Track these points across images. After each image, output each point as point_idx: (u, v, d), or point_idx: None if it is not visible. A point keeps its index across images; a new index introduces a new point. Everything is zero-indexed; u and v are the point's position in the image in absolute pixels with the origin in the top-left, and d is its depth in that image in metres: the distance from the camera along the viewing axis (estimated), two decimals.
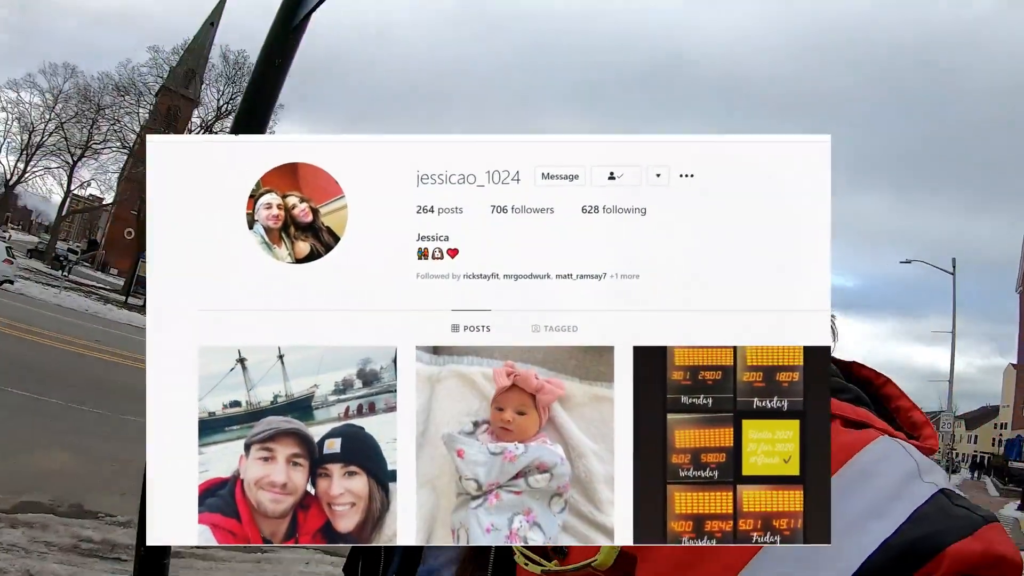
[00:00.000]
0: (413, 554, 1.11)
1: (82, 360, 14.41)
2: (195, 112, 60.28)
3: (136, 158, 65.26)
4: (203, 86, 56.97)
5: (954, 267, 32.42)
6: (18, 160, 61.79)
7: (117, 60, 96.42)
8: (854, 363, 0.92)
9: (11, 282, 24.43)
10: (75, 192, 71.67)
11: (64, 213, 68.56)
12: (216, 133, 54.38)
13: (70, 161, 62.93)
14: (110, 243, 74.64)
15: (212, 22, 75.73)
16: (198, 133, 53.79)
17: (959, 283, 32.39)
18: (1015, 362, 67.76)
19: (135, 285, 39.15)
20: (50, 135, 60.98)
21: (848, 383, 0.87)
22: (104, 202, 70.26)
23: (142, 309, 32.64)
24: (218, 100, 55.79)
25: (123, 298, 36.40)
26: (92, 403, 10.68)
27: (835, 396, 0.80)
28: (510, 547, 0.87)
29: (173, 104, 69.76)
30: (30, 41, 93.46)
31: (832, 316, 0.83)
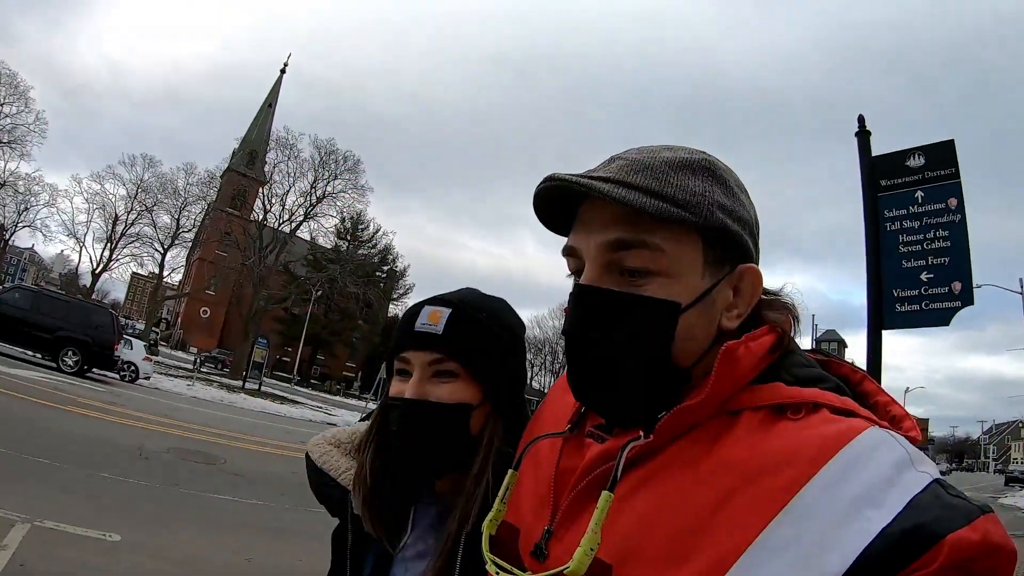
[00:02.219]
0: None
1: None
2: (259, 191, 63.19)
3: (203, 238, 68.90)
4: (266, 166, 59.95)
5: (1022, 286, 32.58)
6: (104, 248, 65.01)
7: (170, 141, 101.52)
8: (832, 360, 0.94)
9: (148, 377, 24.87)
10: (137, 272, 75.38)
11: (159, 299, 71.42)
12: (315, 217, 59.18)
13: (160, 249, 66.48)
14: (187, 323, 77.35)
15: (270, 104, 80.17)
16: (293, 217, 57.70)
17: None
18: None
19: (251, 370, 39.93)
20: (131, 224, 64.44)
21: (826, 373, 0.88)
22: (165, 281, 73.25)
23: (273, 397, 33.96)
24: (312, 187, 58.33)
25: (240, 383, 37.84)
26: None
27: (816, 385, 0.83)
28: (480, 559, 0.95)
29: (239, 185, 73.60)
30: (82, 126, 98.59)
31: (792, 306, 0.94)
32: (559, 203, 0.93)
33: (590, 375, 0.90)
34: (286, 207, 57.57)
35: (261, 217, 57.47)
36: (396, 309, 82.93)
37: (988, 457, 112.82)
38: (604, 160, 0.94)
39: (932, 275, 4.68)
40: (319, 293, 59.40)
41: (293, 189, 57.51)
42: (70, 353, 19.88)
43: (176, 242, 66.86)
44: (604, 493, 0.81)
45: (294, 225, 57.82)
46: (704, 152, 0.94)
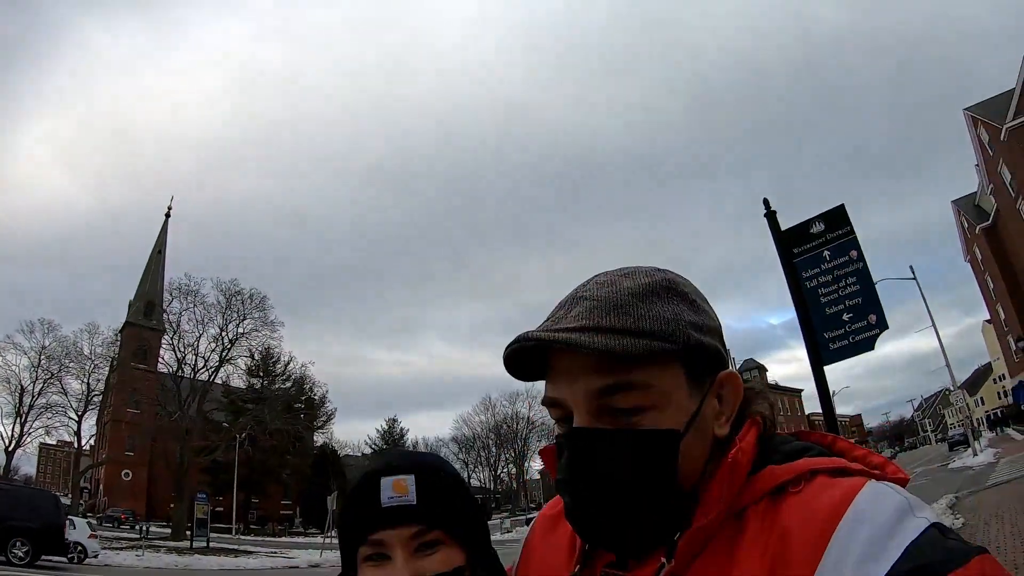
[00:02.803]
0: None
1: None
2: (167, 341, 61.88)
3: (113, 397, 66.35)
4: (170, 316, 58.87)
5: (914, 273, 35.95)
6: (13, 423, 60.57)
7: (61, 299, 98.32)
8: (800, 431, 0.96)
9: (96, 555, 23.75)
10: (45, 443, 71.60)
11: (82, 469, 67.76)
12: (230, 360, 57.78)
13: (75, 417, 63.04)
14: (108, 488, 73.61)
15: (159, 250, 78.66)
16: (207, 364, 55.98)
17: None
18: (987, 318, 70.32)
19: (196, 527, 38.37)
20: (39, 395, 60.90)
21: (808, 443, 0.92)
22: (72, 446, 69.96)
23: (225, 552, 32.92)
24: (222, 331, 56.82)
25: (188, 544, 36.04)
26: None
27: (803, 456, 0.87)
28: None
29: (142, 338, 71.50)
30: None
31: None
32: (528, 352, 0.92)
33: (601, 515, 0.88)
34: (199, 354, 56.09)
35: (175, 368, 55.76)
36: (322, 437, 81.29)
37: (927, 431, 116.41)
38: (566, 298, 0.94)
39: (851, 314, 5.82)
40: (243, 436, 57.78)
41: (204, 335, 56.19)
42: (18, 544, 18.99)
43: (90, 407, 63.88)
44: None
45: (210, 372, 56.31)
46: (661, 270, 0.96)
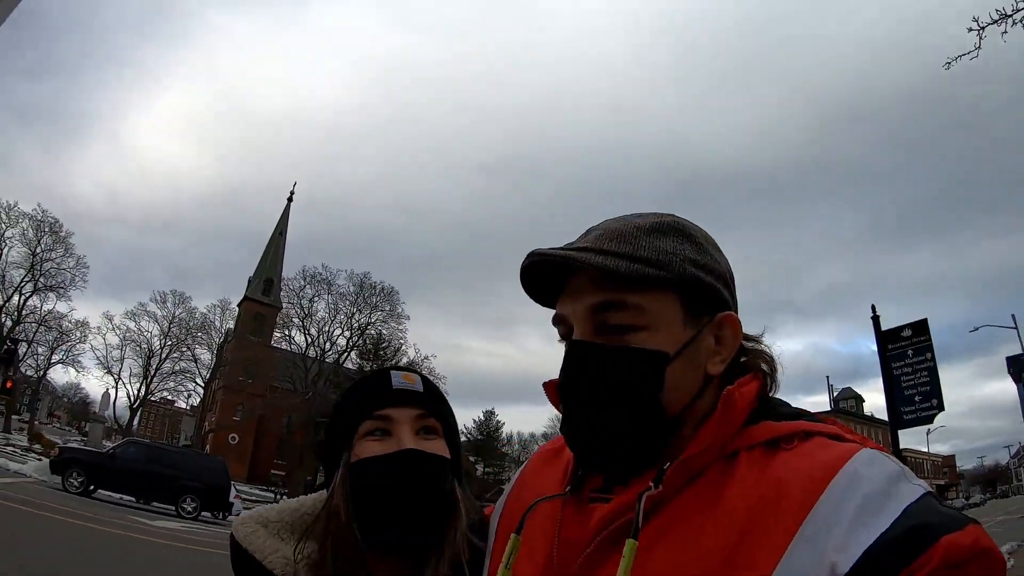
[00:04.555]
0: None
1: None
2: (277, 316, 66.33)
3: (225, 364, 71.37)
4: (296, 298, 63.31)
5: (1015, 322, 34.44)
6: (140, 384, 67.10)
7: (174, 266, 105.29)
8: (802, 411, 0.95)
9: (238, 513, 24.94)
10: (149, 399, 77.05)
11: (204, 432, 72.97)
12: (356, 346, 62.65)
13: (200, 383, 69.38)
14: (215, 449, 77.69)
15: (281, 232, 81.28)
16: (335, 347, 60.27)
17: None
18: None
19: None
20: (165, 359, 67.07)
21: (806, 410, 0.93)
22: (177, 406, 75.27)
23: None
24: (349, 318, 61.68)
25: None
26: None
27: (802, 419, 0.89)
28: None
29: (258, 313, 75.60)
30: (88, 253, 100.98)
31: (770, 356, 0.98)
32: (546, 277, 0.98)
33: (586, 426, 0.91)
34: (329, 338, 60.31)
35: (304, 348, 59.91)
36: None
37: (1021, 480, 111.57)
38: (583, 232, 1.00)
39: (920, 397, 8.53)
40: None
41: (335, 321, 60.55)
42: (188, 500, 21.78)
43: (217, 376, 69.63)
44: (629, 542, 0.81)
45: (340, 354, 60.46)
46: (672, 214, 1.00)
